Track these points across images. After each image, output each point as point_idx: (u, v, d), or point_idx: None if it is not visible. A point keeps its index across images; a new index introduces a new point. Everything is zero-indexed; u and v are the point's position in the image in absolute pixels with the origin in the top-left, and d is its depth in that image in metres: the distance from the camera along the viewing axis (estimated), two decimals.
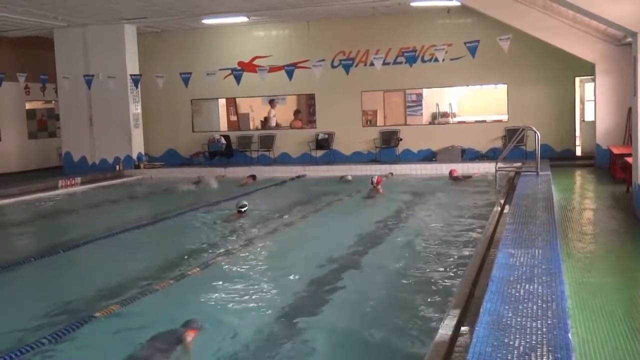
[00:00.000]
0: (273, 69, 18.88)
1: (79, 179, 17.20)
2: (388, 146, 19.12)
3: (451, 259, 7.76)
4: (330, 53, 19.24)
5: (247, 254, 8.60)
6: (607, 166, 15.06)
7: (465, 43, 15.54)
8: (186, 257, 8.50)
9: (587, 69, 16.61)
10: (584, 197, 12.54)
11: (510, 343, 3.90)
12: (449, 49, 17.52)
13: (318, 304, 6.38)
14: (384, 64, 17.43)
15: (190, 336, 5.14)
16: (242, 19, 18.87)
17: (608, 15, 9.23)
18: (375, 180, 13.65)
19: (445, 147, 18.50)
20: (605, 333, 4.85)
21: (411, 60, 17.00)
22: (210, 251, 8.89)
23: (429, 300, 6.24)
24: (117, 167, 19.21)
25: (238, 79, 17.97)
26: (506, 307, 4.58)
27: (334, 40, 19.40)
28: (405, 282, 7.00)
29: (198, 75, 18.28)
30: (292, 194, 14.91)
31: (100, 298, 6.69)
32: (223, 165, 19.17)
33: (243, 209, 11.34)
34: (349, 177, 15.96)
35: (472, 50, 15.28)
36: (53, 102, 21.78)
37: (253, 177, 16.74)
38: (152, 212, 12.69)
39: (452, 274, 7.05)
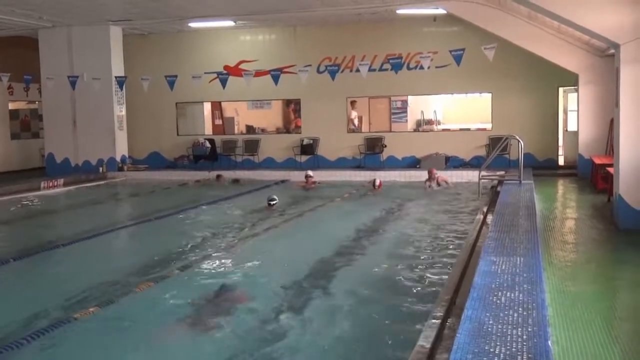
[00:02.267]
0: (259, 74, 18.84)
1: (61, 180, 17.08)
2: (372, 152, 19.16)
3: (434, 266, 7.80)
4: (317, 58, 19.26)
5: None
6: (589, 176, 15.17)
7: (450, 51, 15.59)
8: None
9: (571, 80, 16.76)
10: (566, 207, 12.64)
11: (491, 350, 3.92)
12: (435, 56, 17.60)
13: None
14: (370, 70, 17.47)
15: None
16: (229, 23, 18.84)
17: (592, 26, 9.33)
18: (377, 183, 15.07)
19: (429, 154, 18.58)
20: (585, 341, 4.89)
21: (397, 67, 17.02)
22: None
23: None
24: (101, 169, 19.07)
25: (224, 83, 17.93)
26: (487, 314, 4.60)
27: (320, 46, 19.43)
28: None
29: (183, 79, 18.18)
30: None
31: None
32: (207, 169, 19.10)
33: (273, 202, 12.05)
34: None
35: (458, 59, 15.33)
36: (36, 102, 21.59)
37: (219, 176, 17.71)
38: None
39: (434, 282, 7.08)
